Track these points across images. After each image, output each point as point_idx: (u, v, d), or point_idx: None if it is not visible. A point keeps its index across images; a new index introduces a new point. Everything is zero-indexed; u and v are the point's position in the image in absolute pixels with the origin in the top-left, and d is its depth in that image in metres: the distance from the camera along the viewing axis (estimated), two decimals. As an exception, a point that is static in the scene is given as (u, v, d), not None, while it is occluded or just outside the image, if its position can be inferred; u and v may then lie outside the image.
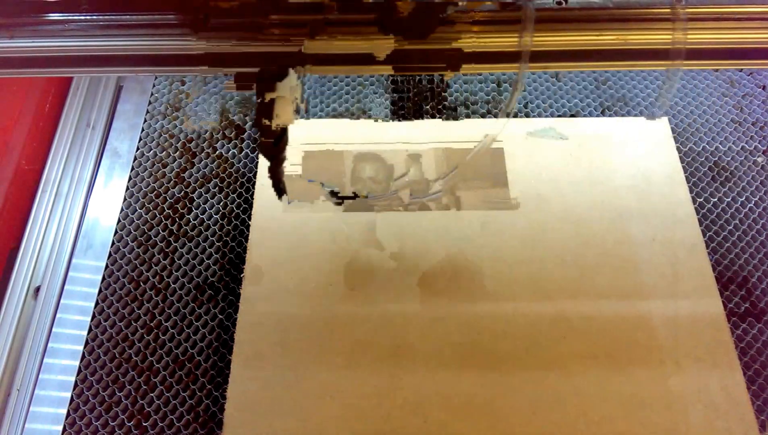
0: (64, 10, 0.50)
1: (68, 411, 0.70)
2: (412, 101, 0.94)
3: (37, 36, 0.50)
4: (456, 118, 0.91)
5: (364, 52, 0.51)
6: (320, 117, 0.92)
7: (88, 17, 0.50)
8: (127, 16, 0.50)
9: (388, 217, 0.81)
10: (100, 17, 0.50)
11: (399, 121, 0.91)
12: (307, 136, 0.89)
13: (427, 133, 0.89)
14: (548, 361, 0.71)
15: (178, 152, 0.90)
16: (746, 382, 0.70)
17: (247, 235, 0.81)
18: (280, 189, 0.65)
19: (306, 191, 0.83)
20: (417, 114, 0.92)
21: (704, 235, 0.80)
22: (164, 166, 0.88)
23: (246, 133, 0.91)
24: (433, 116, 0.92)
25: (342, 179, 0.85)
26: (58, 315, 0.77)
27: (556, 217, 0.81)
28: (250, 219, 0.82)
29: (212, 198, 0.85)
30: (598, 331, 0.73)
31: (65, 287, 0.79)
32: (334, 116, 0.93)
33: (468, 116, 0.92)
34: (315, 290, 0.76)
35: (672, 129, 0.90)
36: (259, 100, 0.52)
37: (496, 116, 0.92)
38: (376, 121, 0.91)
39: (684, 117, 0.92)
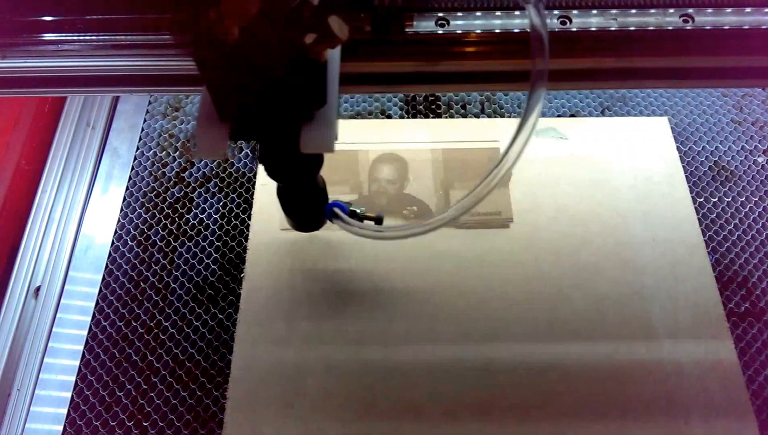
0: (58, 30, 0.49)
1: (68, 411, 0.70)
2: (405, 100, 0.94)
3: (31, 56, 0.50)
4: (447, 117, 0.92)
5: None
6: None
7: (82, 37, 0.49)
8: (123, 36, 0.49)
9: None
10: (95, 37, 0.49)
11: (414, 118, 0.92)
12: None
13: (422, 133, 0.89)
14: (545, 361, 0.71)
15: (178, 152, 0.90)
16: (746, 382, 0.70)
17: (247, 235, 0.81)
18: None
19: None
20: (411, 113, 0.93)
21: (704, 235, 0.80)
22: (164, 166, 0.88)
23: (246, 133, 0.91)
24: (426, 115, 0.92)
25: (358, 180, 0.85)
26: (58, 315, 0.77)
27: (555, 218, 0.81)
28: (250, 219, 0.82)
29: (212, 198, 0.85)
30: (597, 331, 0.73)
31: (65, 287, 0.79)
32: (351, 116, 0.93)
33: (464, 115, 0.92)
34: (316, 290, 0.76)
35: (672, 129, 0.90)
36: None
37: (489, 116, 0.92)
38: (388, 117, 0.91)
39: (684, 117, 0.92)
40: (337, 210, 0.64)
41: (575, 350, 0.71)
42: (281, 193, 0.62)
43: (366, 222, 0.65)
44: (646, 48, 0.49)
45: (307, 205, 0.64)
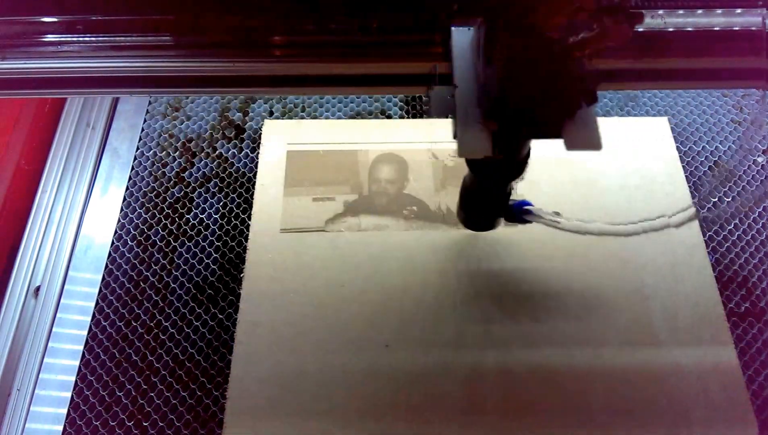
0: (58, 31, 0.49)
1: (68, 411, 0.70)
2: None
3: (31, 57, 0.50)
4: None
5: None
6: (338, 117, 0.92)
7: (82, 39, 0.49)
8: (123, 38, 0.49)
9: (389, 234, 0.81)
10: (95, 39, 0.49)
11: (414, 118, 0.92)
12: (321, 137, 0.89)
13: (422, 133, 0.89)
14: (545, 358, 0.71)
15: (178, 152, 0.90)
16: (746, 382, 0.70)
17: (247, 235, 0.81)
18: None
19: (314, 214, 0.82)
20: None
21: (704, 235, 0.80)
22: (164, 166, 0.88)
23: (246, 133, 0.91)
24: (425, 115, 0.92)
25: (359, 180, 0.84)
26: (58, 315, 0.77)
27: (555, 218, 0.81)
28: (250, 219, 0.82)
29: (212, 198, 0.85)
30: (596, 331, 0.73)
31: (65, 287, 0.79)
32: (351, 116, 0.93)
33: None
34: (316, 290, 0.76)
35: (672, 129, 0.90)
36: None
37: None
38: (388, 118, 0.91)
39: (684, 117, 0.92)
40: (530, 208, 0.67)
41: (575, 350, 0.71)
42: (471, 195, 0.65)
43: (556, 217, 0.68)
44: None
45: (497, 206, 0.67)
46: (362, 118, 0.93)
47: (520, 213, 0.66)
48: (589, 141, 0.42)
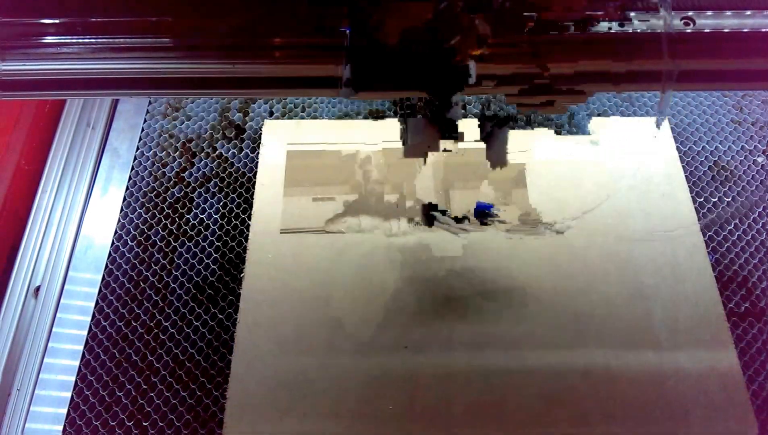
0: (57, 33, 0.49)
1: (68, 411, 0.70)
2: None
3: (30, 59, 0.50)
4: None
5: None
6: (326, 118, 0.92)
7: (82, 40, 0.49)
8: (122, 39, 0.49)
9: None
10: (94, 40, 0.49)
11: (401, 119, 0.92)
12: (312, 138, 0.89)
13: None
14: (547, 359, 0.71)
15: (178, 152, 0.90)
16: (746, 382, 0.70)
17: (247, 235, 0.81)
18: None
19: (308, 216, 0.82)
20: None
21: (704, 235, 0.80)
22: (164, 166, 0.88)
23: (246, 133, 0.91)
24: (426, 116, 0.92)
25: (358, 180, 0.85)
26: (58, 315, 0.77)
27: (555, 217, 0.81)
28: (250, 219, 0.82)
29: (212, 198, 0.85)
30: (597, 331, 0.73)
31: (65, 287, 0.79)
32: (339, 117, 0.93)
33: (465, 116, 0.92)
34: (316, 290, 0.76)
35: (672, 129, 0.90)
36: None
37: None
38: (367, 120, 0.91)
39: (684, 117, 0.92)
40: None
41: (575, 351, 0.71)
42: None
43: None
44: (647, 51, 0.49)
45: None
46: (350, 118, 0.92)
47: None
48: None
